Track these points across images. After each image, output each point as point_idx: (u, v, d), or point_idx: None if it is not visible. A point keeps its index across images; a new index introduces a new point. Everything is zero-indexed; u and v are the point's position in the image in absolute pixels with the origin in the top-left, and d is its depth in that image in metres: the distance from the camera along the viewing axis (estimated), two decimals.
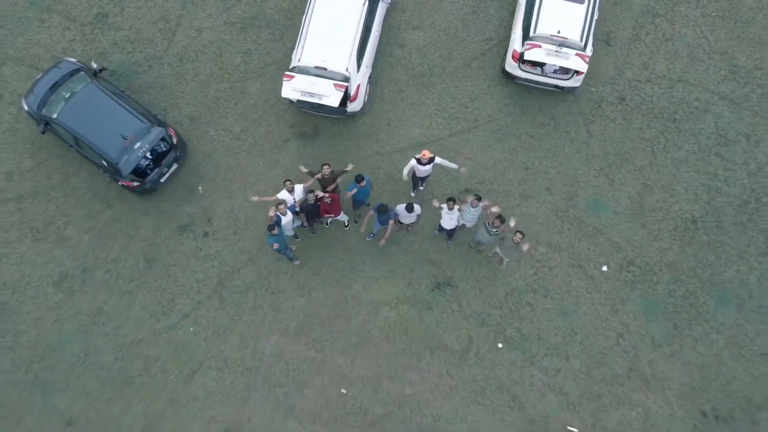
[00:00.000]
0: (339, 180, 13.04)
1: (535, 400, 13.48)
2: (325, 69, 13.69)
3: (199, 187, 14.58)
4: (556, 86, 14.51)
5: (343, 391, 13.54)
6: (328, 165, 12.72)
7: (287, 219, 12.81)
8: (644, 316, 13.86)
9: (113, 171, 13.57)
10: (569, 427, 13.35)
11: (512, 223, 12.67)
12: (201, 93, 15.09)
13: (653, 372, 13.60)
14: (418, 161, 13.09)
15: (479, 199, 12.66)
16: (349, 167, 13.10)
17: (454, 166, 13.20)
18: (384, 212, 12.59)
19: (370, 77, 14.69)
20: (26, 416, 13.41)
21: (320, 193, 12.68)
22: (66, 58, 14.44)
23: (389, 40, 15.34)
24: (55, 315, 13.89)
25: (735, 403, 13.43)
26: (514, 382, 13.56)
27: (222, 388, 13.55)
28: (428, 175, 13.71)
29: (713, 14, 15.44)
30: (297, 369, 13.65)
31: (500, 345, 13.74)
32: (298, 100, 14.11)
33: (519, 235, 12.35)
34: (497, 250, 13.40)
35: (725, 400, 13.46)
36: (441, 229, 13.63)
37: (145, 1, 15.62)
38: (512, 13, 15.39)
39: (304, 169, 13.09)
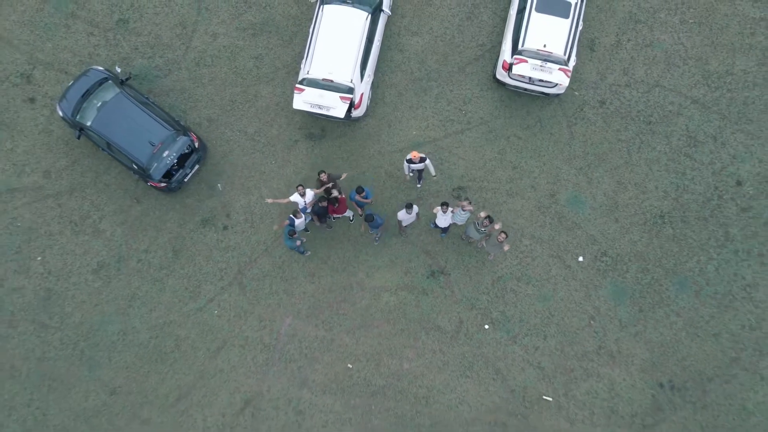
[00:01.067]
0: (341, 193, 14.66)
1: (516, 373, 15.56)
2: (331, 81, 15.05)
3: (219, 185, 16.19)
4: (542, 92, 15.89)
5: (349, 365, 15.60)
6: (324, 171, 14.33)
7: (300, 220, 14.51)
8: (613, 300, 15.77)
9: (143, 174, 15.14)
10: (544, 396, 15.47)
11: (497, 226, 14.35)
12: (217, 96, 16.47)
13: (619, 349, 15.62)
14: (411, 161, 14.66)
15: (470, 202, 14.30)
16: (343, 176, 14.69)
17: (432, 172, 14.92)
18: (371, 220, 14.20)
19: (372, 83, 16.03)
20: (75, 387, 15.51)
21: (335, 192, 14.19)
22: (94, 67, 15.73)
23: (390, 46, 16.59)
24: (95, 299, 15.78)
25: (689, 376, 15.52)
26: (497, 358, 15.60)
27: (244, 363, 15.60)
28: (422, 170, 15.31)
29: (690, 21, 16.62)
30: (309, 347, 15.66)
31: (487, 326, 15.71)
32: None
33: (503, 235, 14.08)
34: (483, 244, 15.17)
35: (680, 373, 15.54)
36: (436, 225, 15.32)
37: (162, 7, 16.75)
38: (504, 20, 16.58)
39: (316, 190, 14.68)
